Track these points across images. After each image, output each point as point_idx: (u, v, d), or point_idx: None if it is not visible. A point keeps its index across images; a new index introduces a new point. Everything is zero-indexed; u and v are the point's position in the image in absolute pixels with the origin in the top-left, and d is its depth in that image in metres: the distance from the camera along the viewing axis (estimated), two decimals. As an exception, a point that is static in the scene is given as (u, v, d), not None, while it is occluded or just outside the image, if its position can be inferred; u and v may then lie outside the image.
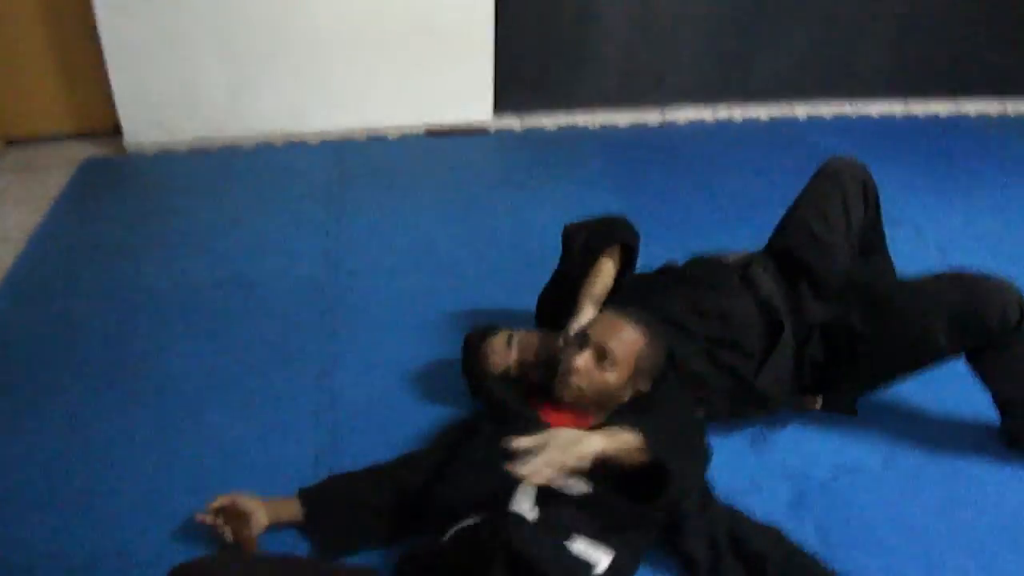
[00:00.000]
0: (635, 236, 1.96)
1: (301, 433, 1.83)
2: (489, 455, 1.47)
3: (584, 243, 1.91)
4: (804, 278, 1.83)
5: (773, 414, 1.85)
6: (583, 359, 1.61)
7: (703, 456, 1.58)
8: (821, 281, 1.82)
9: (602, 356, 1.61)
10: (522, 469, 1.33)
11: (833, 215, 1.98)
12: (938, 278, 1.79)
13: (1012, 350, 1.71)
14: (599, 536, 1.42)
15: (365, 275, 2.38)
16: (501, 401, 1.66)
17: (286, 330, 2.16)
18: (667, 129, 3.20)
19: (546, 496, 1.41)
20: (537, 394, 1.72)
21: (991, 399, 1.81)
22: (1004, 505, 1.69)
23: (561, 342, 1.73)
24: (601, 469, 1.42)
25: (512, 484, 1.39)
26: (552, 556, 1.33)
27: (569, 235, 1.95)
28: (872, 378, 1.81)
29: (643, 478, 1.42)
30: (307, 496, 1.59)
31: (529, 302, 2.08)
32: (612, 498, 1.46)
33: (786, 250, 1.89)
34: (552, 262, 2.02)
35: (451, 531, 1.40)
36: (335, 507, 1.59)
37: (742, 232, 2.38)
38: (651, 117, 3.20)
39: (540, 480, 1.34)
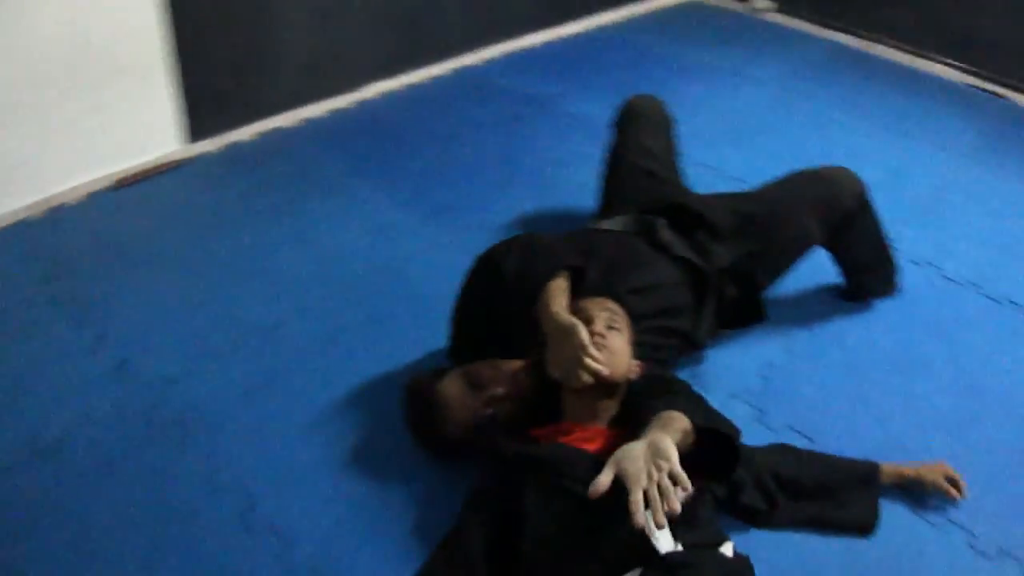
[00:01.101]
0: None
1: None
2: (568, 523, 1.38)
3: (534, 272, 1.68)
4: (699, 227, 1.93)
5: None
6: (599, 325, 1.56)
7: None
8: (715, 224, 1.94)
9: (611, 324, 1.58)
10: (641, 516, 1.20)
11: (668, 155, 2.15)
12: (790, 181, 2.04)
13: (857, 224, 2.02)
14: (711, 529, 1.44)
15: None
16: (521, 454, 1.52)
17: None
18: (366, 106, 3.06)
19: (681, 523, 1.36)
20: (527, 428, 1.61)
21: (840, 268, 2.17)
22: (873, 342, 2.16)
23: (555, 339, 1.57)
24: None
25: (630, 535, 1.28)
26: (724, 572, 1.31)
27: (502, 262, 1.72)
28: (769, 284, 2.01)
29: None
30: None
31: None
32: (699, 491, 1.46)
33: (672, 206, 1.96)
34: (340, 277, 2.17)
35: None
36: None
37: (485, 181, 2.60)
38: (345, 100, 3.04)
39: (669, 510, 1.21)
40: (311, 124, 2.88)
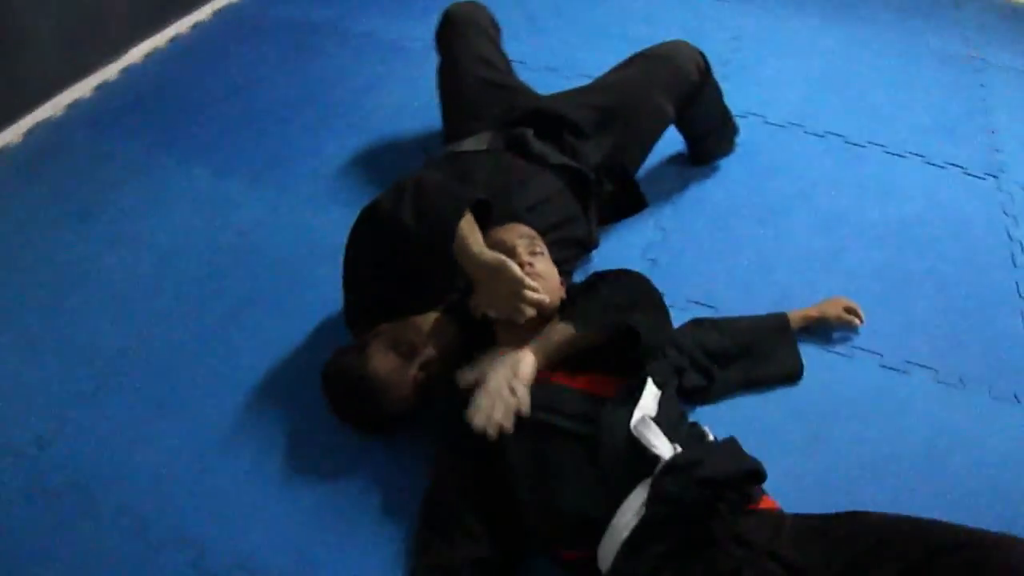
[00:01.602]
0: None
1: None
2: (562, 461, 1.37)
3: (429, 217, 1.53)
4: (562, 129, 1.87)
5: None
6: (523, 255, 1.52)
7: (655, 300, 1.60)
8: (578, 123, 1.88)
9: (533, 249, 1.55)
10: (479, 419, 1.37)
11: (505, 61, 2.07)
12: (634, 65, 2.03)
13: (703, 93, 2.06)
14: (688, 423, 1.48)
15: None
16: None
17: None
18: (133, 74, 2.66)
19: (666, 427, 1.36)
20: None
21: (687, 137, 2.22)
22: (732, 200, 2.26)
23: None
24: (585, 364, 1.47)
25: (629, 455, 1.33)
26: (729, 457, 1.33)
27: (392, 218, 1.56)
28: (636, 171, 2.01)
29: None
30: None
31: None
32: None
33: (530, 114, 1.88)
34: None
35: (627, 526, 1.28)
36: None
37: (297, 125, 2.43)
38: (107, 73, 2.62)
39: (499, 421, 1.36)
40: (79, 107, 2.46)
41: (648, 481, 1.32)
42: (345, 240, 1.63)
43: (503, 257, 1.46)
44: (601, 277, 1.58)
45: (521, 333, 1.50)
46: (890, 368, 1.82)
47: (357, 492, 1.54)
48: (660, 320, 1.53)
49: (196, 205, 2.13)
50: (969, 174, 2.36)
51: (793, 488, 1.45)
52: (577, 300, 1.54)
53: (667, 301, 1.62)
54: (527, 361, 1.42)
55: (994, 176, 2.35)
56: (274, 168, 2.26)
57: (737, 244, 2.10)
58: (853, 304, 1.86)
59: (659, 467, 1.32)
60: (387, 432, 1.61)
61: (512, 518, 1.42)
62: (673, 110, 2.00)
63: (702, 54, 2.03)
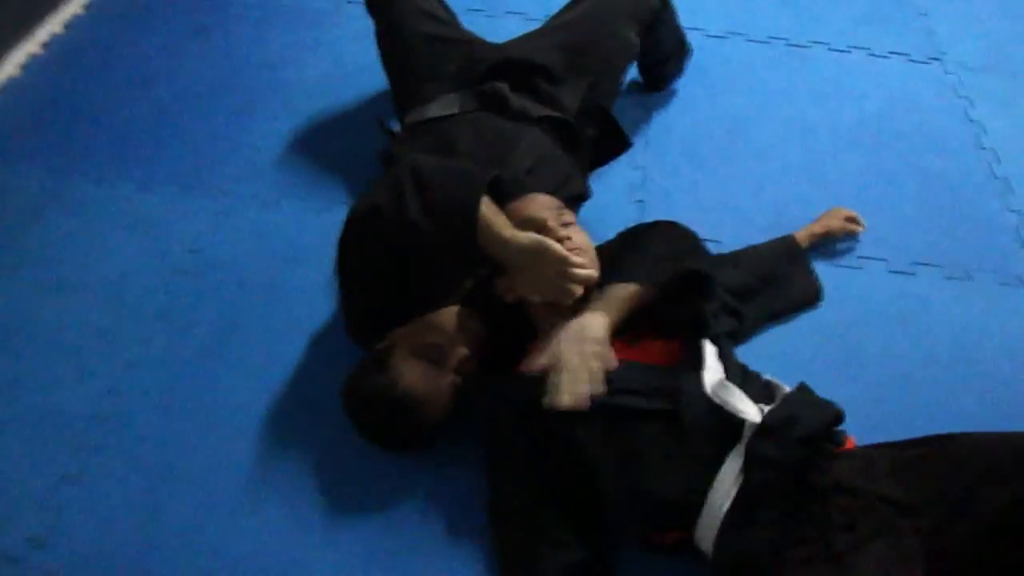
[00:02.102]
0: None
1: None
2: (645, 441, 1.28)
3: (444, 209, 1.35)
4: (535, 77, 1.72)
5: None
6: (559, 229, 1.39)
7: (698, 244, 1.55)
8: (549, 67, 1.73)
9: (563, 220, 1.43)
10: (564, 398, 1.25)
11: (448, 11, 1.90)
12: None
13: (663, 18, 1.96)
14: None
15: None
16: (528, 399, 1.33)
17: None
18: (13, 88, 2.27)
19: (739, 384, 1.30)
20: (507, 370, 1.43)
21: (644, 64, 2.12)
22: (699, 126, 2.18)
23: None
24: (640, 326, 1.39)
25: (716, 426, 1.26)
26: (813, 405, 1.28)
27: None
28: (611, 105, 1.88)
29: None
30: None
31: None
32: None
33: (496, 66, 1.72)
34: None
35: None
36: None
37: (221, 115, 2.18)
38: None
39: (585, 392, 1.26)
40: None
41: (739, 448, 1.25)
42: (337, 245, 1.46)
43: (539, 237, 1.33)
44: (634, 233, 1.48)
45: (564, 310, 1.39)
46: (898, 272, 1.80)
47: (409, 520, 1.41)
48: (712, 262, 1.46)
49: (130, 228, 1.86)
50: (913, 60, 2.35)
51: (850, 416, 1.41)
52: (624, 257, 1.43)
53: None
54: (599, 323, 1.31)
55: (937, 59, 2.35)
56: (204, 170, 2.01)
57: (717, 170, 2.03)
58: (851, 212, 1.83)
59: (748, 430, 1.25)
60: (426, 446, 1.47)
61: (595, 512, 1.34)
62: (637, 39, 1.88)
63: (658, -21, 1.91)
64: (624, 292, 1.37)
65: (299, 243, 1.83)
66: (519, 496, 1.34)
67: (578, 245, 1.38)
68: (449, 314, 1.44)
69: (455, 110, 1.68)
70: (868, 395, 1.57)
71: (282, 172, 2.00)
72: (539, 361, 1.31)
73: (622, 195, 1.94)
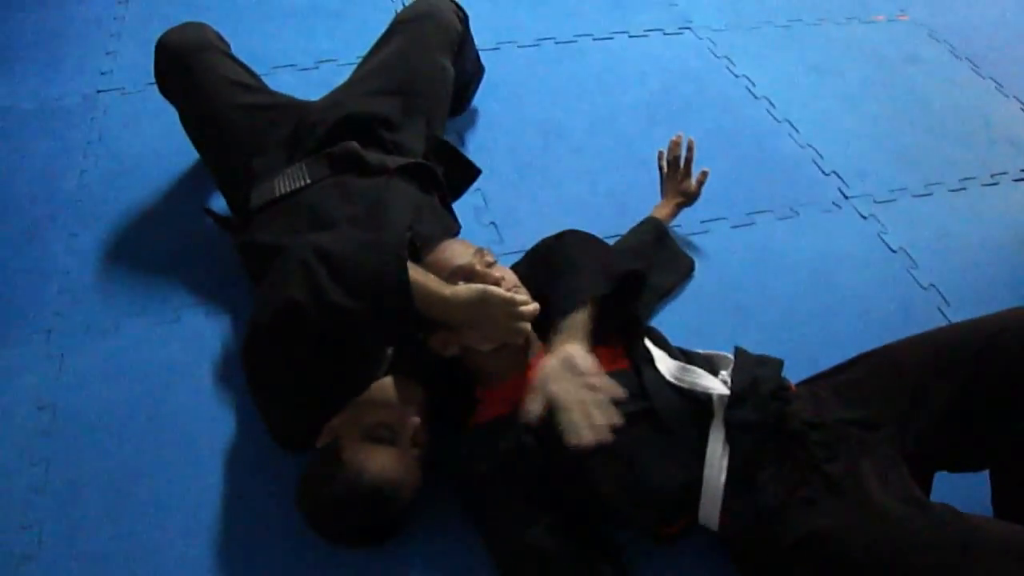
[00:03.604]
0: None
1: None
2: (635, 442, 1.29)
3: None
4: (378, 128, 1.70)
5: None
6: (489, 272, 1.38)
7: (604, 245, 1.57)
8: (388, 117, 1.72)
9: (486, 261, 1.42)
10: (586, 435, 1.19)
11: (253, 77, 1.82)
12: (400, 32, 1.91)
13: (466, 42, 2.02)
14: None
15: None
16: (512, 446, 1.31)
17: None
18: None
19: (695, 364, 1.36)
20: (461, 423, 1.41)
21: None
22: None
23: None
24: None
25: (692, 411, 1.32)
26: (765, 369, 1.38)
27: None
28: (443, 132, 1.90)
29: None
30: None
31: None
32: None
33: (335, 126, 1.65)
34: None
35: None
36: None
37: None
38: None
39: (603, 422, 1.22)
40: None
41: (716, 422, 1.31)
42: (244, 356, 1.34)
43: (479, 286, 1.30)
44: (547, 250, 1.49)
45: (511, 351, 1.37)
46: (740, 226, 1.98)
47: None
48: (629, 259, 1.50)
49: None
50: (668, 33, 2.56)
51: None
52: (559, 278, 1.43)
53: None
54: (578, 353, 1.28)
55: (688, 28, 2.58)
56: (15, 312, 1.73)
57: (547, 175, 2.09)
58: (681, 170, 1.88)
59: (718, 403, 1.32)
60: (397, 534, 1.38)
61: (606, 527, 1.35)
62: (451, 65, 1.88)
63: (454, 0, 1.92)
64: (583, 315, 1.35)
65: (158, 363, 1.64)
66: (525, 539, 1.30)
67: (511, 282, 1.37)
68: (385, 387, 1.36)
69: (307, 180, 1.59)
70: (765, 339, 1.67)
71: (106, 291, 1.77)
72: (535, 407, 1.25)
73: (472, 221, 1.93)
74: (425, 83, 1.79)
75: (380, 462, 1.27)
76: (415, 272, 1.28)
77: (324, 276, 1.25)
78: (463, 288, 1.30)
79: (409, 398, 1.36)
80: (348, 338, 1.30)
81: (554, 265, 1.46)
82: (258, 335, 1.30)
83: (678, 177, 1.88)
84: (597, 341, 1.43)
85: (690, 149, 1.85)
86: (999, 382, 1.24)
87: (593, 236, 1.53)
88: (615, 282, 1.40)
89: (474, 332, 1.32)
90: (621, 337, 1.44)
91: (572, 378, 1.24)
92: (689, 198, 1.88)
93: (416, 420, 1.33)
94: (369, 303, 1.25)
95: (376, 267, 1.27)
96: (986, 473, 1.33)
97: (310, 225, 1.48)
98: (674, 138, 1.86)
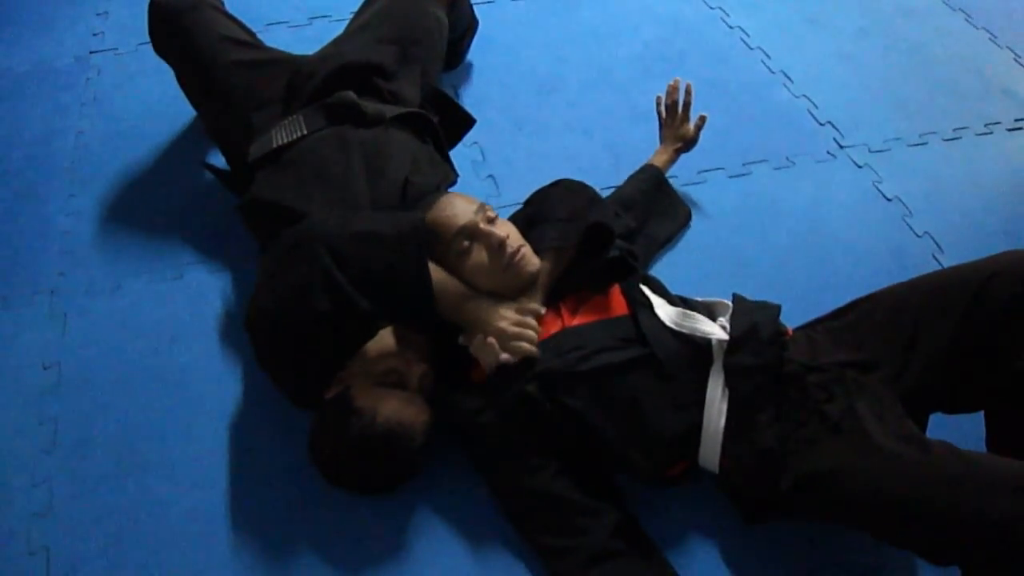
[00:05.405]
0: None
1: None
2: (632, 388, 1.33)
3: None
4: (373, 78, 1.68)
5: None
6: (498, 228, 1.41)
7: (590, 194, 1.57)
8: (382, 65, 1.70)
9: (488, 217, 1.43)
10: (502, 358, 1.33)
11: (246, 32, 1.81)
12: None
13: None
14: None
15: None
16: (515, 396, 1.34)
17: None
18: None
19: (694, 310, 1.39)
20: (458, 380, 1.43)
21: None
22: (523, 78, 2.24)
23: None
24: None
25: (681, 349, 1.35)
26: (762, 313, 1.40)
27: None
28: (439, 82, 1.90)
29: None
30: None
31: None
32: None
33: (331, 76, 1.63)
34: None
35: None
36: None
37: None
38: None
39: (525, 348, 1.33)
40: None
41: (716, 366, 1.34)
42: (251, 336, 1.36)
43: (495, 327, 1.36)
44: (538, 198, 1.53)
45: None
46: (737, 176, 1.99)
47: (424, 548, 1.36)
48: (608, 210, 1.52)
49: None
50: (658, -16, 2.54)
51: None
52: (531, 228, 1.46)
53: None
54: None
55: (676, -22, 2.56)
56: (19, 273, 1.74)
57: (544, 128, 2.09)
58: (679, 115, 1.88)
59: (717, 347, 1.34)
60: (410, 479, 1.41)
61: (608, 473, 1.38)
62: (446, 16, 1.87)
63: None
64: (544, 265, 1.42)
65: (162, 321, 1.65)
66: (534, 485, 1.33)
67: (515, 240, 1.40)
68: (387, 337, 1.38)
69: (303, 132, 1.58)
70: (762, 286, 1.68)
71: (107, 251, 1.78)
72: (470, 338, 1.38)
73: (470, 174, 1.94)
74: (421, 32, 1.78)
75: (393, 405, 1.31)
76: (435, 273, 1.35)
77: (343, 282, 1.27)
78: (478, 310, 1.38)
79: (413, 345, 1.39)
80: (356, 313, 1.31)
81: (530, 216, 1.49)
82: (264, 320, 1.33)
83: (676, 122, 1.88)
84: (590, 290, 1.45)
85: (688, 93, 1.84)
86: (994, 321, 1.26)
87: (584, 186, 1.54)
88: (578, 235, 1.43)
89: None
90: (618, 285, 1.46)
91: (503, 306, 1.38)
92: (688, 143, 1.87)
93: (423, 365, 1.37)
94: (390, 307, 1.32)
95: (395, 274, 1.31)
96: (980, 416, 1.36)
97: (313, 180, 1.49)
98: (671, 83, 1.85)
